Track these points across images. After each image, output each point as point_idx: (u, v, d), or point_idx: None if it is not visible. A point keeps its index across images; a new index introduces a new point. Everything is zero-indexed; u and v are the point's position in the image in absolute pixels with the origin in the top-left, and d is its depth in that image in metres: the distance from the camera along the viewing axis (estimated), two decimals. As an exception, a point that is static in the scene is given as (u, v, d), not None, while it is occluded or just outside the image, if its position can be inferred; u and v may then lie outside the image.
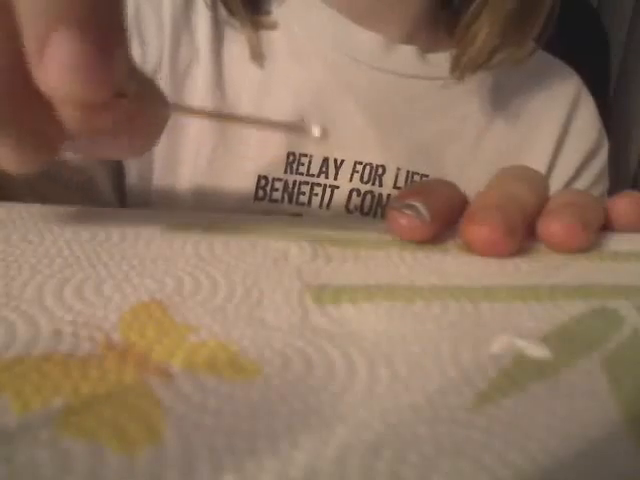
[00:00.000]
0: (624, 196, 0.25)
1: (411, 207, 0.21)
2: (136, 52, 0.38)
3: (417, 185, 0.24)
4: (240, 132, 0.39)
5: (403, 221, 0.22)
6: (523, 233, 0.22)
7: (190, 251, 0.20)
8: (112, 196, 0.39)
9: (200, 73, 0.39)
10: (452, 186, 0.25)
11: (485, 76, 0.42)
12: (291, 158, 0.39)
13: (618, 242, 0.24)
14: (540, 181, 0.26)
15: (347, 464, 0.11)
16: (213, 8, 0.39)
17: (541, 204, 0.24)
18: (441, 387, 0.14)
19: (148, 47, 0.38)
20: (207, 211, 0.34)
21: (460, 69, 0.40)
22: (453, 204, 0.24)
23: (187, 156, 0.39)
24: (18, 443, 0.11)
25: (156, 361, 0.14)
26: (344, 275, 0.19)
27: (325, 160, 0.39)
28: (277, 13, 0.40)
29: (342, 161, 0.39)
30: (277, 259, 0.20)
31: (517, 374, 0.14)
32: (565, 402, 0.14)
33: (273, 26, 0.40)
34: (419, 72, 0.41)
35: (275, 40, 0.40)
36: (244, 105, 0.39)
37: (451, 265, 0.21)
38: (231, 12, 0.39)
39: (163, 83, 0.38)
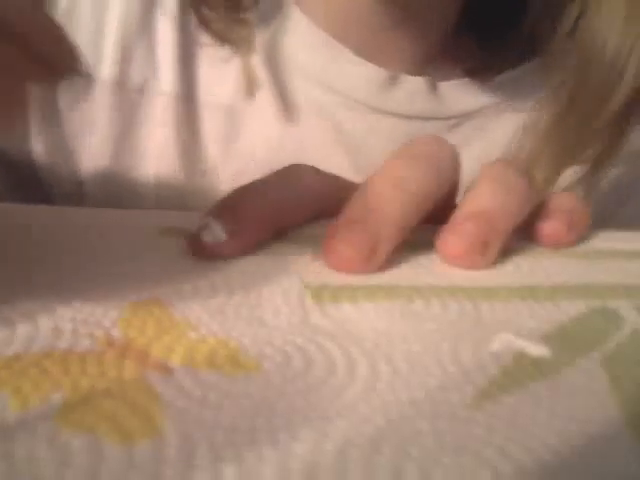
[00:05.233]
0: None
1: (205, 227, 0.20)
2: None
3: (229, 196, 0.21)
4: (207, 167, 0.34)
5: (195, 246, 0.20)
6: (504, 242, 0.21)
7: (190, 255, 0.20)
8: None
9: (161, 98, 0.33)
10: (291, 182, 0.23)
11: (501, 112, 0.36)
12: None
13: (618, 242, 0.24)
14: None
15: (348, 458, 0.11)
16: (182, 13, 0.32)
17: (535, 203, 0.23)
18: (441, 384, 0.14)
19: None
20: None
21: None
22: (283, 206, 0.22)
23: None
24: (17, 439, 0.11)
25: (156, 357, 0.14)
26: (344, 274, 0.19)
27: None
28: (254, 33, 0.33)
29: None
30: (276, 261, 0.20)
31: (517, 372, 0.14)
32: (565, 400, 0.14)
33: (251, 48, 0.33)
34: (428, 111, 0.35)
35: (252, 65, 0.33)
36: (211, 146, 0.34)
37: (451, 265, 0.21)
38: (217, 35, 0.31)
39: (105, 104, 0.32)
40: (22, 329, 0.14)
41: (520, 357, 0.15)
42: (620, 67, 0.31)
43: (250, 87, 0.33)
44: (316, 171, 0.24)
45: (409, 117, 0.35)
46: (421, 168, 0.21)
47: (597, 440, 0.12)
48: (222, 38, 0.32)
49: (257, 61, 0.33)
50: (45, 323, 0.15)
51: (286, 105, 0.33)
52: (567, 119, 0.33)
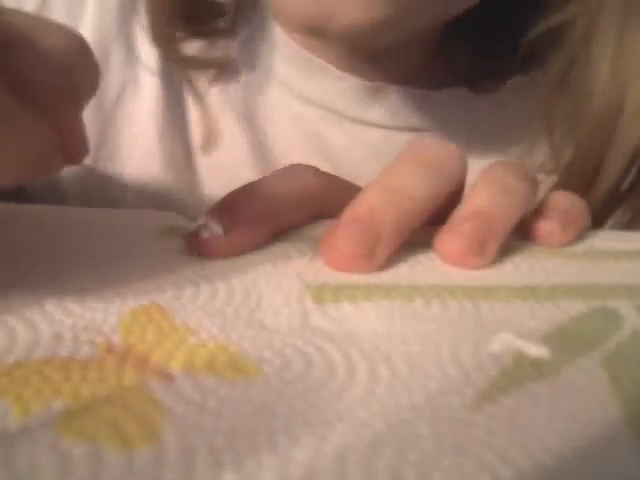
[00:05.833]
0: None
1: (204, 225, 0.20)
2: None
3: (228, 195, 0.21)
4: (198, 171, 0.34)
5: (192, 243, 0.20)
6: (502, 242, 0.21)
7: (189, 255, 0.20)
8: None
9: (144, 106, 0.32)
10: (290, 182, 0.22)
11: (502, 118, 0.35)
12: None
13: (618, 241, 0.24)
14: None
15: (347, 462, 0.11)
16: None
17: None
18: (441, 386, 0.14)
19: None
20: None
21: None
22: (281, 206, 0.22)
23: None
24: (18, 446, 0.11)
25: (156, 363, 0.14)
26: (344, 274, 0.19)
27: None
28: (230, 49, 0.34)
29: None
30: (276, 261, 0.20)
31: (517, 373, 0.14)
32: (566, 401, 0.14)
33: (230, 63, 0.33)
34: (418, 122, 0.34)
35: (228, 79, 0.34)
36: (199, 158, 0.33)
37: (451, 265, 0.21)
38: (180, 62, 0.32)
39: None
40: (23, 336, 0.14)
41: (520, 358, 0.15)
42: (612, 120, 0.30)
43: (209, 140, 0.33)
44: (315, 171, 0.24)
45: (399, 129, 0.34)
46: (422, 172, 0.21)
47: (597, 440, 0.12)
48: (202, 64, 0.32)
49: (241, 81, 0.33)
50: (46, 330, 0.15)
51: (268, 122, 0.33)
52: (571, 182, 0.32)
